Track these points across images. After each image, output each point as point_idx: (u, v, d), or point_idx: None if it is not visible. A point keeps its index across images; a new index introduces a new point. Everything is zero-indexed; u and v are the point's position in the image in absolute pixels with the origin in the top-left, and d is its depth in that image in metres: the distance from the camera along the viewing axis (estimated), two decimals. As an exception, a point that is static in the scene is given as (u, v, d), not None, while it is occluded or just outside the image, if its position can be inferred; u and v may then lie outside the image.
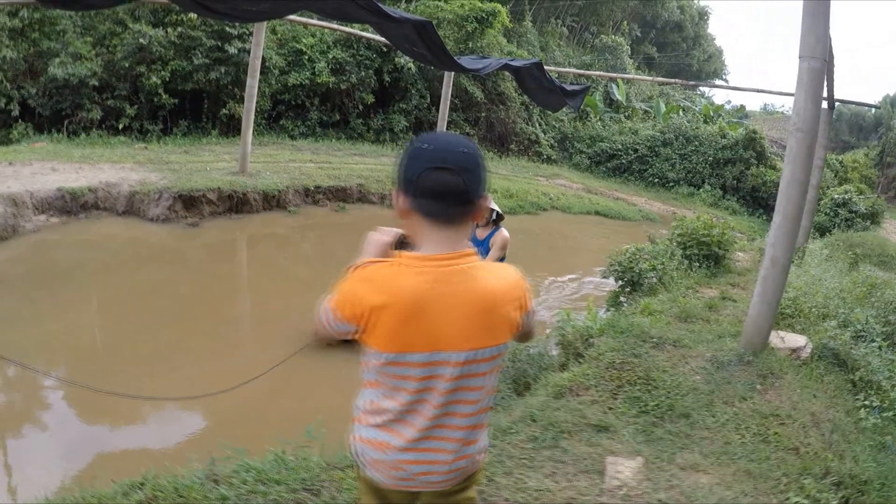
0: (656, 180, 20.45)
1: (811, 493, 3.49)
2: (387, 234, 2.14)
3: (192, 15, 15.67)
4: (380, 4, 6.35)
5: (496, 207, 6.31)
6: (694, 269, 7.84)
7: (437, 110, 17.11)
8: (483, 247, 6.39)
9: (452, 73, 14.20)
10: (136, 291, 7.92)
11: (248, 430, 4.99)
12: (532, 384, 4.98)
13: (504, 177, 15.83)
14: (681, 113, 24.73)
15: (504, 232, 6.29)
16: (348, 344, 2.10)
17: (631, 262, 7.08)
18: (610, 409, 4.39)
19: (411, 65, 18.48)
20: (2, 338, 6.47)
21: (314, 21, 12.80)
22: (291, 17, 12.04)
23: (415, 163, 1.83)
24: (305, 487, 3.51)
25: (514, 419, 2.85)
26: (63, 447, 4.85)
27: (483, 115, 20.96)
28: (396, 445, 1.94)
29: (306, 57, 17.55)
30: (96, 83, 15.15)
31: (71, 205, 10.15)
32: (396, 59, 18.45)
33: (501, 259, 6.40)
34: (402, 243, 2.11)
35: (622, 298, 7.14)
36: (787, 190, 4.94)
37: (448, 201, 1.80)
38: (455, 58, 9.59)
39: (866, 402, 4.78)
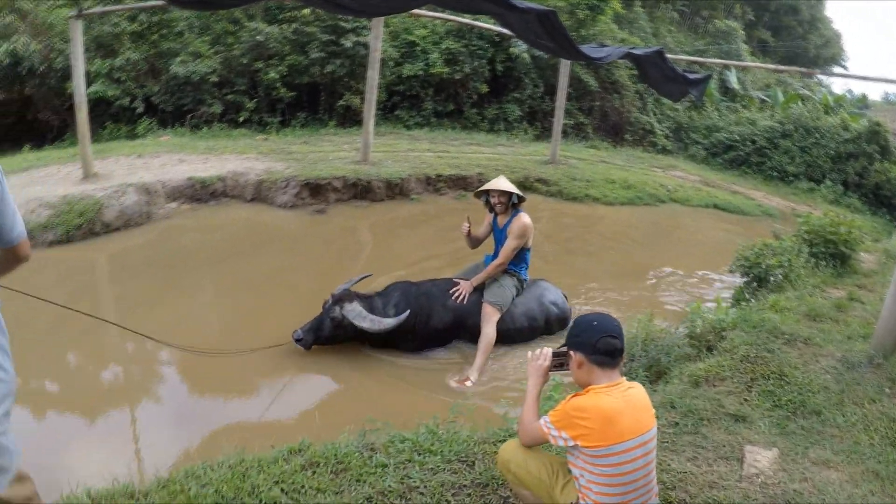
0: (775, 174, 19.51)
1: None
2: (544, 358, 3.15)
3: (307, 11, 16.23)
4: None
5: (515, 190, 6.24)
6: (820, 268, 7.68)
7: (552, 99, 17.15)
8: (502, 234, 6.34)
9: (569, 61, 14.21)
10: (265, 273, 8.27)
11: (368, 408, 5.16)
12: (665, 373, 5.10)
13: (621, 167, 15.58)
14: (800, 103, 23.74)
15: (523, 218, 6.22)
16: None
17: (758, 257, 7.01)
18: (745, 400, 4.49)
19: (525, 54, 18.41)
20: (128, 319, 7.04)
21: (426, 12, 13.02)
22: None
23: (593, 333, 2.86)
24: (460, 459, 3.74)
25: (654, 405, 3.03)
26: (177, 416, 5.20)
27: (597, 104, 20.64)
28: None
29: (419, 48, 17.81)
30: (216, 79, 15.98)
31: (201, 193, 10.73)
32: (510, 49, 18.44)
33: (524, 249, 6.37)
34: (554, 366, 3.13)
35: (747, 294, 7.10)
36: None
37: (614, 356, 2.86)
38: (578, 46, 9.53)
39: None
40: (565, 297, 6.99)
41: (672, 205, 13.80)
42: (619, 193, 13.30)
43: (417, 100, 18.09)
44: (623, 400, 2.83)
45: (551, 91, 17.74)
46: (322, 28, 16.47)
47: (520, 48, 18.27)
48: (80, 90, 9.95)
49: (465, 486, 3.54)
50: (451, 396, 5.44)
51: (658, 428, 2.97)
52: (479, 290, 6.39)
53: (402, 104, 18.03)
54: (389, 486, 3.47)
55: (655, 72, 10.78)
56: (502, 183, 6.23)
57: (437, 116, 18.28)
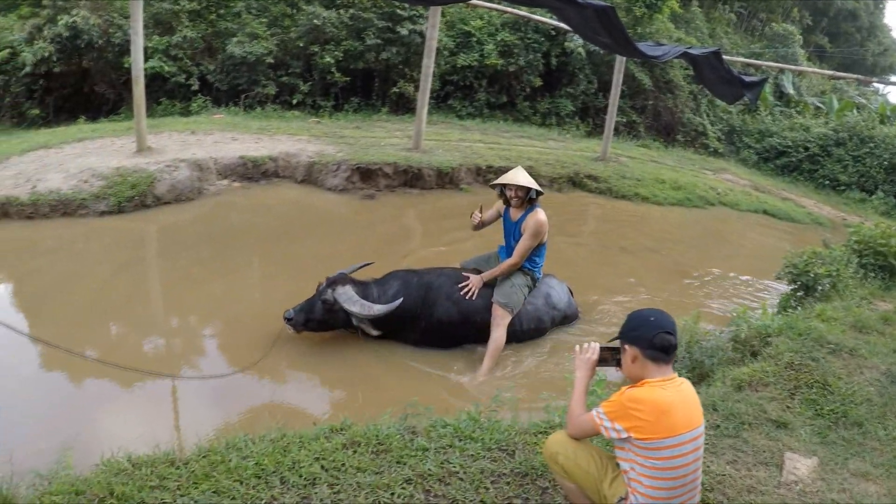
0: (827, 182, 19.18)
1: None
2: (592, 352, 3.21)
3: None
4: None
5: (534, 185, 5.94)
6: (868, 280, 7.56)
7: (605, 96, 17.08)
8: (515, 228, 6.04)
9: (624, 58, 14.14)
10: (311, 255, 8.37)
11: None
12: (708, 375, 5.11)
13: (671, 168, 15.43)
14: (855, 111, 23.24)
15: (539, 214, 5.93)
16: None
17: (806, 265, 6.96)
18: (788, 407, 4.49)
19: (580, 49, 18.31)
20: (172, 291, 7.25)
21: (484, 3, 13.03)
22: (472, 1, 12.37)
23: (650, 329, 2.92)
24: (500, 447, 3.80)
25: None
26: (217, 390, 5.29)
27: (650, 102, 20.47)
28: None
29: (475, 39, 17.80)
30: (271, 61, 16.18)
31: (252, 172, 10.92)
32: (565, 44, 18.36)
33: (538, 247, 6.11)
34: (601, 359, 3.20)
35: (793, 302, 7.05)
36: None
37: (668, 352, 2.93)
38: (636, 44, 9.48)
39: None
40: (570, 293, 6.85)
41: (721, 208, 13.66)
42: (669, 194, 13.20)
43: (470, 90, 18.10)
44: (677, 394, 2.89)
45: (605, 88, 17.69)
46: (379, 15, 16.59)
47: (575, 43, 18.18)
48: (138, 65, 10.17)
49: (504, 474, 3.59)
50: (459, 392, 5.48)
51: (702, 428, 3.00)
52: (489, 285, 6.13)
53: (456, 94, 18.06)
54: (429, 469, 3.54)
55: (711, 73, 10.68)
56: (521, 177, 5.95)
57: (490, 108, 18.26)
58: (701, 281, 8.95)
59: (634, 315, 3.07)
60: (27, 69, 16.47)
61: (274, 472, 3.47)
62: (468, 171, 11.71)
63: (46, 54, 16.14)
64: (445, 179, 11.51)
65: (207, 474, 3.44)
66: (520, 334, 6.18)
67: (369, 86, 17.50)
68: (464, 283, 6.11)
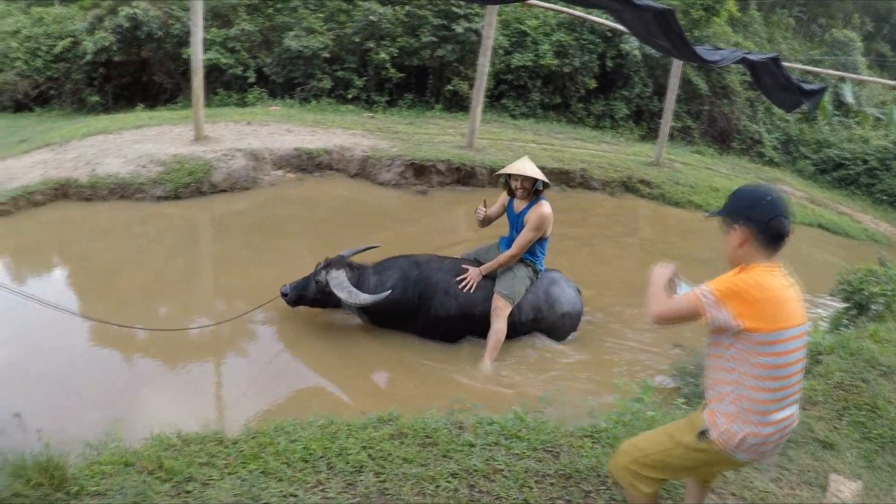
0: (885, 197, 18.62)
1: None
2: (668, 269, 2.86)
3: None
4: (624, -10, 6.18)
5: (541, 176, 5.70)
6: (925, 301, 7.44)
7: (660, 100, 16.90)
8: (518, 220, 5.87)
9: (680, 62, 13.96)
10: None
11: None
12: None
13: (725, 176, 15.12)
14: (917, 124, 22.60)
15: (543, 207, 5.69)
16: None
17: (861, 283, 6.83)
18: (835, 428, 4.44)
19: (636, 51, 18.13)
20: (222, 275, 7.42)
21: (540, 3, 12.97)
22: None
23: (766, 210, 2.55)
24: (545, 448, 3.84)
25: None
26: (266, 373, 5.41)
27: (706, 108, 20.12)
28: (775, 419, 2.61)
29: (529, 38, 17.73)
30: (327, 55, 16.40)
31: (307, 163, 11.06)
32: (620, 45, 18.18)
33: (542, 240, 5.91)
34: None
35: (846, 320, 6.94)
36: None
37: (782, 237, 2.57)
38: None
39: None
40: (578, 292, 6.49)
41: (776, 220, 13.32)
42: (722, 203, 12.77)
43: (525, 90, 18.02)
44: (788, 284, 2.60)
45: (660, 91, 17.51)
46: (434, 12, 16.68)
47: (631, 45, 18.00)
48: (197, 56, 10.41)
49: (548, 474, 3.63)
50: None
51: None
52: (489, 278, 5.98)
53: (510, 93, 17.99)
54: (475, 465, 3.60)
55: (769, 79, 10.46)
56: (528, 167, 5.70)
57: (543, 108, 18.15)
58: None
59: (746, 191, 2.72)
60: (88, 57, 17.08)
61: (321, 457, 3.58)
62: (520, 170, 11.61)
63: (107, 44, 16.71)
64: (497, 178, 11.40)
65: (256, 455, 3.56)
66: (518, 326, 5.98)
67: (423, 82, 17.57)
68: (462, 276, 5.99)
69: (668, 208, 12.34)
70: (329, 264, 5.89)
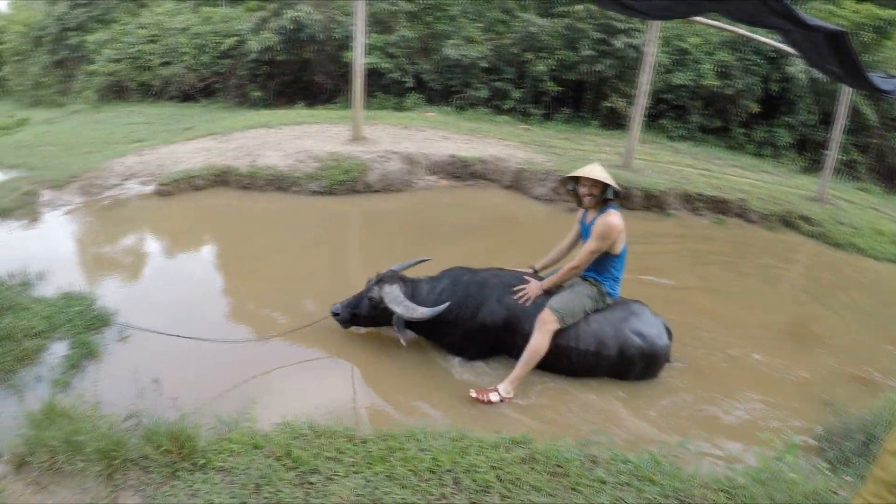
0: None
1: None
2: None
3: (579, 7, 16.20)
4: (796, 10, 5.73)
5: (610, 181, 5.11)
6: None
7: (825, 129, 15.90)
8: (586, 231, 5.34)
9: (850, 89, 13.05)
10: (505, 260, 8.16)
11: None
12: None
13: (892, 219, 13.77)
14: None
15: (610, 217, 5.12)
16: None
17: None
18: None
19: (802, 75, 17.11)
20: (364, 267, 7.38)
21: (702, 20, 12.45)
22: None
23: None
24: (678, 496, 3.60)
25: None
26: (397, 378, 5.29)
27: (874, 141, 18.56)
28: None
29: (691, 57, 17.24)
30: (485, 65, 16.67)
31: (461, 171, 11.22)
32: (786, 68, 17.22)
33: (613, 257, 5.30)
34: None
35: None
36: None
37: None
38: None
39: None
40: (668, 331, 5.60)
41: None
42: (887, 248, 11.28)
43: (684, 111, 17.52)
44: None
45: (826, 120, 16.43)
46: (594, 26, 16.50)
47: (797, 67, 17.04)
48: (358, 60, 10.80)
49: (677, 525, 3.44)
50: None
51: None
52: (549, 293, 5.42)
53: (668, 113, 17.54)
54: (603, 503, 3.45)
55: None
56: (597, 171, 5.11)
57: (703, 131, 17.57)
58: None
59: None
60: (252, 56, 18.34)
61: (449, 470, 3.57)
62: (676, 196, 11.07)
63: (271, 44, 17.80)
64: (652, 202, 10.99)
65: (384, 457, 3.61)
66: (574, 353, 5.26)
67: (580, 97, 17.46)
68: (519, 287, 5.48)
69: (828, 249, 10.99)
70: (381, 279, 5.62)
